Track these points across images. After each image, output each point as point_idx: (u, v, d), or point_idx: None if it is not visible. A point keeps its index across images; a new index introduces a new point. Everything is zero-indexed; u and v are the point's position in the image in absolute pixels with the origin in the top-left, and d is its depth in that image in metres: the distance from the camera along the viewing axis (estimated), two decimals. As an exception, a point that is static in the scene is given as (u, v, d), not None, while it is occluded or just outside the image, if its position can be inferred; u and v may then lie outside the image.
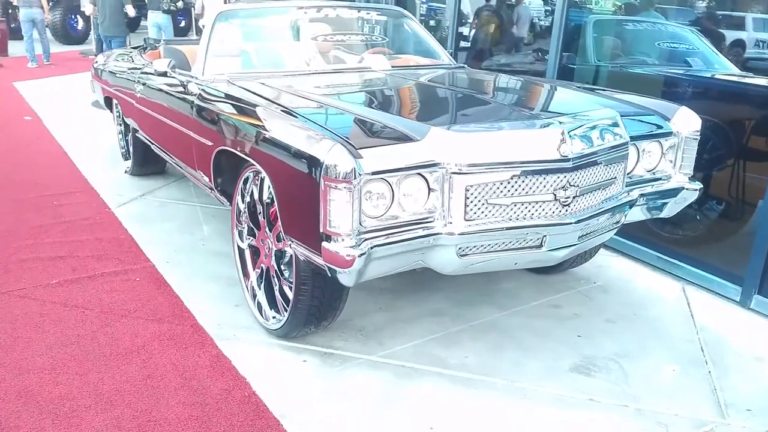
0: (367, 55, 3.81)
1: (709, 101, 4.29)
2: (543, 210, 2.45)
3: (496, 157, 2.35)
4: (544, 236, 2.49)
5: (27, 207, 4.52)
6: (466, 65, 4.19)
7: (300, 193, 2.36)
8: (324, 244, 2.22)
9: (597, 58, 5.17)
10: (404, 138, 2.36)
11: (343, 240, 2.20)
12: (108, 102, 5.67)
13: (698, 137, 2.97)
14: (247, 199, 3.05)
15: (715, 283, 3.52)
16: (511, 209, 2.41)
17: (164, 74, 3.63)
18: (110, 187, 5.07)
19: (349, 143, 2.22)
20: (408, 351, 2.86)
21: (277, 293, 2.85)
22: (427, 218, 2.37)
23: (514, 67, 6.87)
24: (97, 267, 3.61)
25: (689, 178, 3.03)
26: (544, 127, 2.45)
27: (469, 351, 2.87)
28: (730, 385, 2.70)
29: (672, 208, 3.03)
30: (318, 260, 2.32)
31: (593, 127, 2.57)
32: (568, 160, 2.42)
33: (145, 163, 5.29)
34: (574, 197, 2.49)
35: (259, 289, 3.03)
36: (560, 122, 2.50)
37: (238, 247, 3.19)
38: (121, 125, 5.60)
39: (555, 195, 2.45)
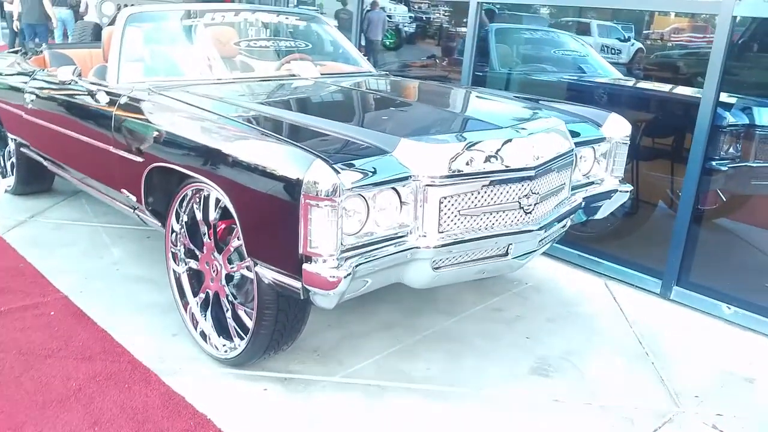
0: (295, 62, 3.67)
1: (611, 105, 4.57)
2: (509, 218, 2.48)
3: (469, 168, 2.33)
4: (510, 244, 2.51)
5: None
6: (388, 72, 4.17)
7: (270, 213, 2.21)
8: (305, 266, 2.09)
9: (500, 66, 5.35)
10: (375, 151, 2.28)
11: (325, 261, 2.09)
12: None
13: (628, 142, 3.14)
14: (184, 218, 2.83)
15: (635, 278, 3.75)
16: (481, 219, 2.41)
17: (68, 83, 3.29)
18: (-9, 210, 4.53)
19: (326, 158, 2.11)
20: (370, 368, 2.78)
21: (229, 319, 2.66)
22: (401, 233, 2.31)
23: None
24: (2, 302, 3.19)
25: (620, 181, 3.19)
26: (513, 137, 2.47)
27: (430, 362, 2.85)
28: (674, 375, 2.87)
29: (605, 209, 3.18)
30: (291, 283, 2.19)
31: (548, 136, 2.63)
32: (533, 168, 2.46)
33: (30, 180, 4.79)
34: (535, 204, 2.54)
35: (203, 315, 2.82)
36: (520, 131, 2.54)
37: (174, 271, 2.94)
38: (-6, 140, 5.03)
39: (520, 203, 2.48)
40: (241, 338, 2.64)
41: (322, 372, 2.73)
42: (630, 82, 5.29)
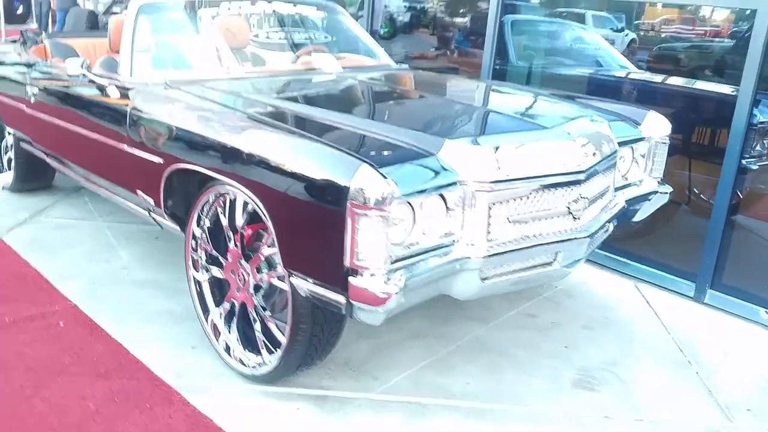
0: (316, 55, 3.48)
1: (635, 100, 4.42)
2: (558, 225, 2.32)
3: (520, 172, 2.18)
4: (558, 252, 2.36)
5: None
6: (407, 65, 3.99)
7: (310, 222, 2.05)
8: (351, 280, 1.92)
9: (518, 59, 5.19)
10: (419, 154, 2.11)
11: (373, 275, 1.92)
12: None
13: (668, 141, 2.99)
14: (207, 223, 2.65)
15: (667, 280, 3.61)
16: (530, 226, 2.26)
17: (77, 77, 3.09)
18: (-12, 209, 4.32)
19: (373, 163, 1.93)
20: (406, 383, 2.62)
21: (258, 333, 2.49)
22: (446, 242, 2.14)
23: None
24: (5, 312, 3.00)
25: (659, 182, 3.04)
26: (561, 138, 2.31)
27: (469, 375, 2.70)
28: (720, 386, 2.74)
29: (644, 211, 3.04)
30: (333, 297, 2.03)
31: (595, 137, 2.48)
32: (583, 171, 2.31)
33: (30, 177, 4.58)
34: (584, 209, 2.38)
35: (227, 327, 2.65)
36: (568, 132, 2.38)
37: (194, 279, 2.77)
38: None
39: (569, 208, 2.33)
40: (271, 352, 2.47)
41: (357, 388, 2.57)
42: (650, 76, 5.13)
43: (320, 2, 3.97)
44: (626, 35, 5.75)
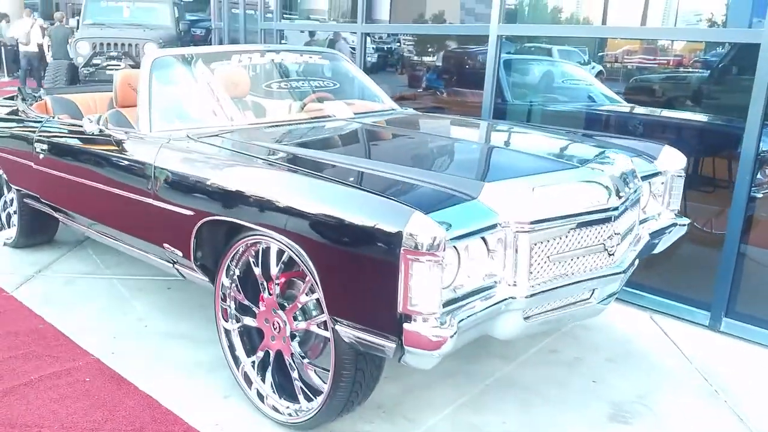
0: (329, 102, 3.55)
1: (634, 134, 4.55)
2: (595, 261, 2.37)
3: (558, 212, 2.23)
4: (594, 288, 2.40)
5: None
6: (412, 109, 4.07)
7: (359, 269, 2.06)
8: (406, 326, 1.94)
9: (513, 97, 5.31)
10: (461, 198, 2.15)
11: (425, 320, 1.94)
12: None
13: (684, 174, 3.08)
14: (237, 273, 2.66)
15: (682, 310, 3.67)
16: (568, 264, 2.30)
17: (96, 133, 3.11)
18: (-6, 265, 4.27)
19: (423, 209, 1.97)
20: (444, 424, 2.62)
21: (296, 381, 2.48)
22: (489, 284, 2.18)
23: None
24: (30, 370, 2.95)
25: (676, 214, 3.12)
26: (594, 176, 2.38)
27: (503, 414, 2.70)
28: (752, 414, 2.77)
29: (664, 244, 3.10)
30: (381, 343, 2.04)
31: (623, 173, 2.55)
32: (617, 208, 2.37)
33: (34, 232, 4.54)
34: (617, 245, 2.44)
35: (260, 375, 2.64)
36: (597, 170, 2.45)
37: (224, 329, 2.76)
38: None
39: (604, 245, 2.38)
40: (309, 400, 2.46)
41: (394, 431, 2.57)
42: (645, 110, 5.27)
43: (324, 51, 4.06)
44: (593, 68, 5.93)
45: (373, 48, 9.48)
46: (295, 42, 7.57)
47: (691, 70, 5.13)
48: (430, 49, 7.66)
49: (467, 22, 6.62)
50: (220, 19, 8.97)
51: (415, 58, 7.82)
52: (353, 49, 8.33)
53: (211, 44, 10.77)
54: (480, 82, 4.77)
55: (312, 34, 8.17)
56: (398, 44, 8.23)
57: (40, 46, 13.11)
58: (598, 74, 5.79)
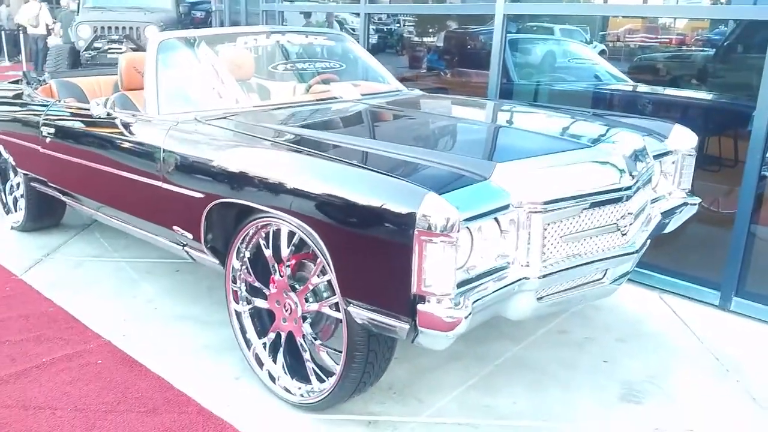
0: (336, 83, 3.52)
1: (642, 113, 4.51)
2: (608, 242, 2.36)
3: (571, 192, 2.22)
4: (607, 268, 2.40)
5: None
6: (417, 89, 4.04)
7: (372, 251, 2.06)
8: (419, 306, 1.94)
9: (518, 77, 5.27)
10: (472, 178, 2.14)
11: (439, 301, 1.93)
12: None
13: (695, 153, 3.05)
14: (247, 255, 2.66)
15: (691, 290, 3.66)
16: (581, 244, 2.29)
17: (104, 116, 3.09)
18: (3, 249, 4.28)
19: (436, 190, 1.96)
20: (453, 405, 2.63)
21: (308, 362, 2.49)
22: (501, 264, 2.17)
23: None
24: (41, 352, 2.96)
25: (687, 193, 3.10)
26: (606, 155, 2.36)
27: (514, 395, 2.71)
28: (763, 392, 2.77)
29: (674, 223, 3.09)
30: (394, 324, 2.04)
31: (635, 152, 2.53)
32: (629, 188, 2.36)
33: (41, 216, 4.54)
34: (630, 225, 2.43)
35: (272, 357, 2.64)
36: (613, 150, 2.43)
37: (235, 311, 2.76)
38: (-5, 174, 4.78)
39: (617, 225, 2.36)
40: (321, 381, 2.47)
41: (405, 412, 2.57)
42: (652, 89, 5.22)
43: (330, 32, 4.02)
44: (594, 47, 5.87)
45: (373, 29, 9.39)
46: (294, 24, 7.51)
47: (695, 48, 5.07)
48: (431, 30, 7.58)
49: (471, 1, 6.55)
50: (220, 1, 8.89)
51: (416, 38, 7.74)
52: (353, 30, 8.27)
53: (211, 27, 10.68)
54: (483, 62, 4.73)
55: (308, 15, 8.09)
56: (398, 25, 8.14)
57: (49, 29, 13.09)
58: (601, 53, 5.73)
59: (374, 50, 6.38)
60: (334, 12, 7.98)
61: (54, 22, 13.02)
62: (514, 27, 5.60)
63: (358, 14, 6.09)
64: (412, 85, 4.08)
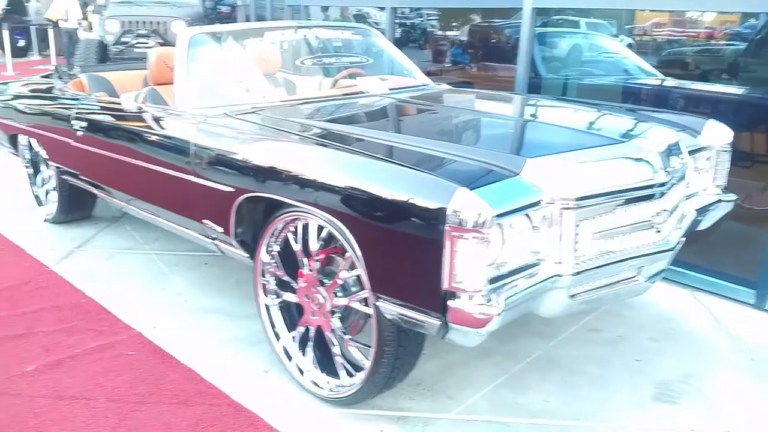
0: (362, 78, 3.50)
1: (674, 108, 4.43)
2: (642, 239, 2.32)
3: (604, 188, 2.18)
4: (642, 266, 2.35)
5: (-59, 276, 3.74)
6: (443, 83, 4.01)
7: (403, 246, 2.04)
8: (450, 303, 1.92)
9: (546, 71, 5.21)
10: (503, 174, 2.11)
11: (471, 297, 1.92)
12: (13, 141, 4.88)
13: (730, 149, 2.98)
14: (276, 249, 2.66)
15: (726, 288, 3.58)
16: (615, 241, 2.25)
17: (135, 110, 3.12)
18: (35, 241, 4.34)
19: (467, 186, 1.94)
20: (484, 402, 2.61)
21: (337, 356, 2.49)
22: (532, 261, 2.14)
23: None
24: (74, 343, 3.01)
25: (722, 190, 3.04)
26: (640, 151, 2.31)
27: (546, 393, 2.68)
28: (801, 394, 2.71)
29: (709, 220, 3.03)
30: (425, 319, 2.02)
31: (670, 148, 2.48)
32: (664, 184, 2.31)
33: (72, 208, 4.60)
34: (664, 222, 2.38)
35: (301, 351, 2.65)
36: (647, 145, 2.38)
37: (264, 304, 2.77)
38: (29, 167, 4.85)
39: (651, 221, 2.32)
40: (350, 375, 2.47)
41: (435, 408, 2.56)
42: (682, 83, 5.14)
43: (356, 26, 4.00)
44: (621, 40, 5.78)
45: (396, 23, 9.36)
46: (317, 18, 7.52)
47: (725, 42, 4.97)
48: (454, 23, 7.54)
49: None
50: (246, -4, 8.92)
51: (440, 32, 7.70)
52: (376, 24, 8.23)
53: (236, 21, 10.73)
54: (509, 56, 4.68)
55: (325, 9, 8.08)
56: (421, 19, 8.11)
57: (79, 23, 13.29)
58: (627, 47, 5.66)
59: (398, 44, 6.39)
60: (359, 6, 7.96)
61: (83, 18, 13.23)
62: (538, 20, 5.54)
63: (383, 8, 6.05)
64: (437, 79, 4.06)
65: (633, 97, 4.79)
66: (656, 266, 2.40)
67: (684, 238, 2.68)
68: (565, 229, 2.13)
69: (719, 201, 2.98)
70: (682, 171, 2.57)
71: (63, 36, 13.42)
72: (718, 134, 2.98)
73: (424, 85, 3.83)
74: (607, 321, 3.29)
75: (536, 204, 2.08)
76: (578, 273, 2.15)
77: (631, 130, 2.61)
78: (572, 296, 2.21)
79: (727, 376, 2.83)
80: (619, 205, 2.22)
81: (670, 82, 4.96)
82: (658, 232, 2.36)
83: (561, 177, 2.13)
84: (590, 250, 2.19)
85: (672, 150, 2.52)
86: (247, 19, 8.82)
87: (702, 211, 2.88)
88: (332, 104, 3.22)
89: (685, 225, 2.62)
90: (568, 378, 2.78)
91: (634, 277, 2.37)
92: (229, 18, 13.44)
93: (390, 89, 3.48)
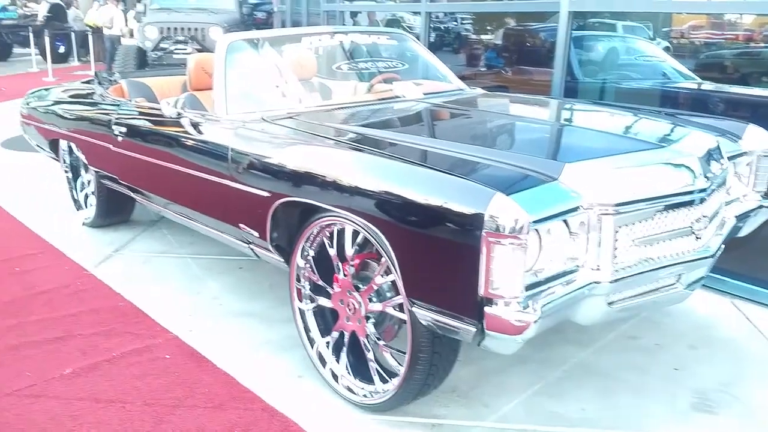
0: (397, 83, 3.51)
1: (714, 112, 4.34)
2: (681, 246, 2.28)
3: (643, 194, 2.15)
4: (681, 273, 2.31)
5: (-18, 279, 3.85)
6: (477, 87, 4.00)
7: (439, 252, 2.04)
8: (487, 309, 1.91)
9: (583, 75, 5.15)
10: (540, 179, 2.09)
11: (508, 304, 1.90)
12: (53, 146, 5.00)
13: (772, 154, 2.92)
14: (311, 253, 2.68)
15: (766, 296, 3.50)
16: (654, 248, 2.21)
17: (174, 116, 3.17)
18: (74, 244, 4.43)
19: (505, 191, 1.93)
20: (519, 410, 2.59)
21: (371, 362, 2.49)
22: (570, 267, 2.11)
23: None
24: (111, 346, 3.06)
25: (762, 196, 2.97)
26: (680, 157, 2.27)
27: (582, 401, 2.64)
28: None
29: (748, 227, 2.96)
30: (460, 326, 2.01)
31: (710, 154, 2.44)
32: (704, 190, 2.27)
33: (111, 213, 4.69)
34: (705, 228, 2.33)
35: (335, 356, 2.66)
36: (687, 151, 2.34)
37: (299, 309, 2.79)
38: (68, 172, 4.96)
39: (691, 228, 2.28)
40: (384, 381, 2.47)
41: (470, 416, 2.54)
42: (721, 87, 5.03)
43: (391, 31, 4.02)
44: (658, 44, 5.67)
45: (430, 27, 9.34)
46: (348, 24, 7.56)
47: (765, 44, 4.85)
48: (489, 27, 7.50)
49: (533, -2, 6.44)
50: (282, 2, 9.02)
51: (474, 36, 7.67)
52: (410, 28, 8.23)
53: (272, 27, 10.88)
54: (544, 60, 4.63)
55: (354, 14, 8.12)
56: (455, 23, 8.09)
57: (122, 31, 13.61)
58: (665, 50, 5.56)
59: (432, 48, 6.38)
60: (394, 11, 7.98)
61: (126, 25, 13.56)
62: (575, 23, 5.47)
63: (418, 12, 6.06)
64: (471, 84, 4.05)
65: (671, 101, 4.72)
66: (696, 273, 2.35)
67: (723, 245, 2.62)
68: (603, 236, 2.10)
69: (760, 207, 2.92)
70: (722, 177, 2.53)
71: (106, 42, 13.74)
72: (759, 139, 2.92)
73: (460, 89, 3.82)
74: (644, 328, 3.23)
75: (574, 210, 2.06)
76: (617, 280, 2.12)
77: (670, 135, 2.57)
78: (610, 304, 2.18)
79: (766, 385, 2.76)
80: (658, 212, 2.18)
81: (709, 85, 4.86)
82: (698, 238, 2.31)
83: (600, 182, 2.11)
84: (629, 257, 2.16)
85: (712, 155, 2.48)
86: (283, 25, 8.93)
87: (742, 217, 2.82)
88: (368, 109, 3.24)
89: (725, 231, 2.57)
90: (605, 386, 2.75)
91: (674, 284, 2.32)
92: (266, 24, 13.63)
93: (425, 94, 3.48)
